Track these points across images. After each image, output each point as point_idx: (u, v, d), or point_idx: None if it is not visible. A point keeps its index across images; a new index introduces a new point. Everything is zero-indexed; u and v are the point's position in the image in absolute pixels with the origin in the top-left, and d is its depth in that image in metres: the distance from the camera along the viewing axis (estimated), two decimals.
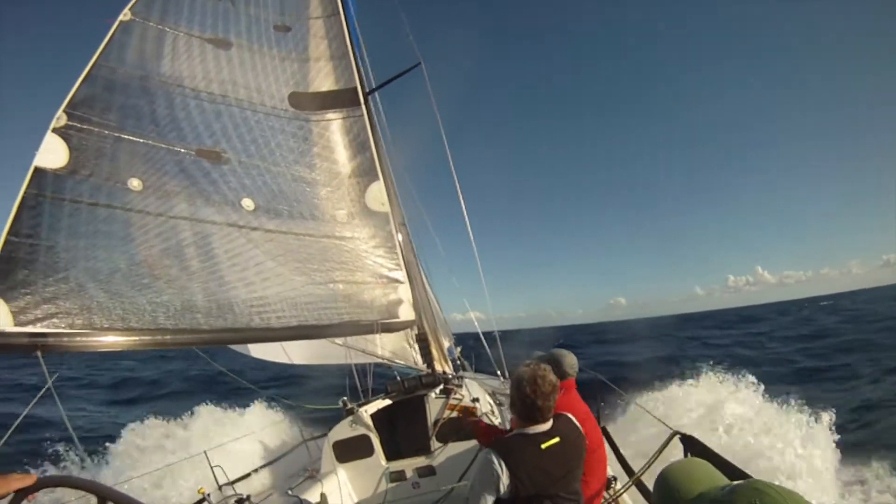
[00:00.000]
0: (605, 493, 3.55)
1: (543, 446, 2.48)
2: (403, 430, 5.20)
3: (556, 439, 2.52)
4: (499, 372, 8.44)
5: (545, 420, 2.55)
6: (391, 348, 6.13)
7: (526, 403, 2.50)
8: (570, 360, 3.51)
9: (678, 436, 3.49)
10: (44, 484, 1.83)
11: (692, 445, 3.02)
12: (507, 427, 3.77)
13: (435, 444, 4.98)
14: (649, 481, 3.68)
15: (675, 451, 3.32)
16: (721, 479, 1.32)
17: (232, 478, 4.71)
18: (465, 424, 4.49)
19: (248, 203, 4.43)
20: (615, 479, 3.88)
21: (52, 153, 3.59)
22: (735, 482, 1.13)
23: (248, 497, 4.03)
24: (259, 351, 7.31)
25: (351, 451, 5.03)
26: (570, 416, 2.79)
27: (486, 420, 4.95)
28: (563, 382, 3.40)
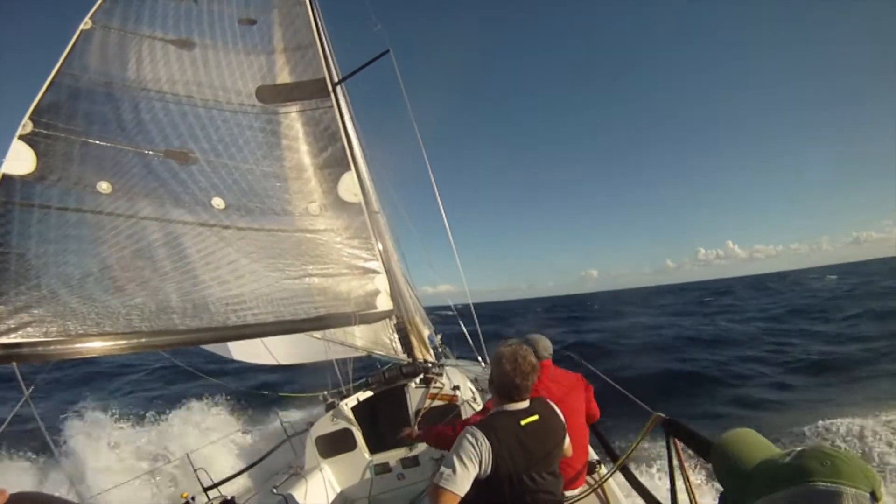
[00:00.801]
0: (588, 478, 3.66)
1: (523, 422, 2.55)
2: (385, 421, 5.29)
3: (536, 416, 2.60)
4: (479, 358, 8.54)
5: (522, 399, 2.63)
6: (371, 339, 6.22)
7: (504, 381, 2.59)
8: (545, 344, 3.79)
9: (660, 420, 3.55)
10: (15, 500, 1.85)
11: (674, 429, 3.10)
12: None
13: None
14: (631, 465, 3.77)
15: (657, 435, 3.39)
16: (770, 445, 1.32)
17: (216, 479, 4.77)
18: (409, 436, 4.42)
19: (218, 202, 4.53)
20: (599, 462, 3.96)
21: (20, 160, 3.67)
22: (798, 448, 1.15)
23: (233, 498, 4.13)
24: (240, 353, 7.40)
25: (334, 445, 5.13)
26: (546, 399, 2.88)
27: (468, 408, 5.06)
28: (540, 363, 3.59)
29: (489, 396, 3.07)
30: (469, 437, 2.45)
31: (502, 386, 2.62)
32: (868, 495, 0.94)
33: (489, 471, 2.43)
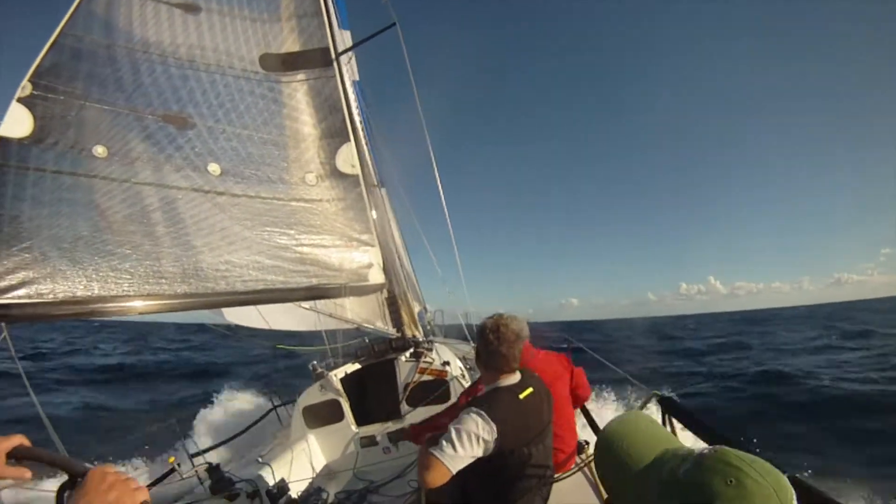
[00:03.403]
0: (577, 458, 3.72)
1: (521, 396, 2.59)
2: (374, 394, 5.44)
3: (531, 389, 2.65)
4: (468, 337, 8.70)
5: (511, 370, 2.68)
6: (361, 313, 6.37)
7: (490, 350, 2.63)
8: (520, 324, 3.79)
9: (657, 398, 3.46)
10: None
11: (670, 406, 3.05)
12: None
13: (405, 408, 5.22)
14: None
15: (654, 414, 3.38)
16: (661, 435, 1.16)
17: (203, 447, 4.99)
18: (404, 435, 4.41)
19: (214, 168, 4.68)
20: (587, 443, 3.99)
21: (17, 123, 3.82)
22: (697, 450, 0.99)
23: (218, 465, 4.29)
24: (234, 315, 7.54)
25: (321, 416, 5.30)
26: (531, 370, 2.93)
27: (456, 384, 5.22)
28: None
29: (478, 376, 3.13)
30: (476, 417, 2.41)
31: (489, 357, 2.66)
32: None
33: (491, 450, 2.43)
